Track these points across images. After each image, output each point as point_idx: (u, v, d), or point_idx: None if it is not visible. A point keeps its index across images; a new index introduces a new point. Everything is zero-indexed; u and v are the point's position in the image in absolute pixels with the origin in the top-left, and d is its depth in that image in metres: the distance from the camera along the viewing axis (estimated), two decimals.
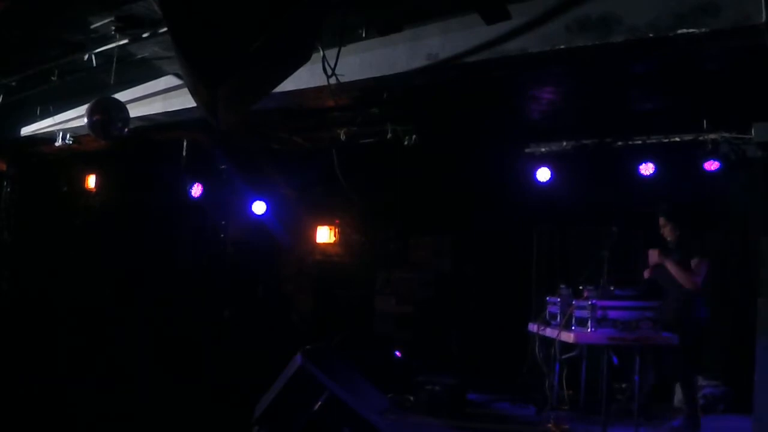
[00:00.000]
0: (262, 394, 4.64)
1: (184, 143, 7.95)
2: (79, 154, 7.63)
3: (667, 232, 6.03)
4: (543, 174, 7.50)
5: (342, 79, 4.12)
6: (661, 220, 6.07)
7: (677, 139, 6.91)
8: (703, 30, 3.66)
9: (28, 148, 7.64)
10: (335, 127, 6.99)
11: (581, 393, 6.31)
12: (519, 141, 7.64)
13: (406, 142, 6.99)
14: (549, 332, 5.69)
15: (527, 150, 7.68)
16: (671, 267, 5.83)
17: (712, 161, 6.72)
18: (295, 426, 4.42)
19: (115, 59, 4.97)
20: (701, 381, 6.66)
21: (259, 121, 6.71)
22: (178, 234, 8.64)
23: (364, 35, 4.45)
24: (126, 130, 5.20)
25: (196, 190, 8.42)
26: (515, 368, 7.35)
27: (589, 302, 5.27)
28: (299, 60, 3.45)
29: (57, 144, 6.98)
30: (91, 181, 8.42)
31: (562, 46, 4.04)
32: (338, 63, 3.88)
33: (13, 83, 5.74)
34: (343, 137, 7.09)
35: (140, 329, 7.58)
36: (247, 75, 3.12)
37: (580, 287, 5.66)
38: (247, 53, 2.93)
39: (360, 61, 4.70)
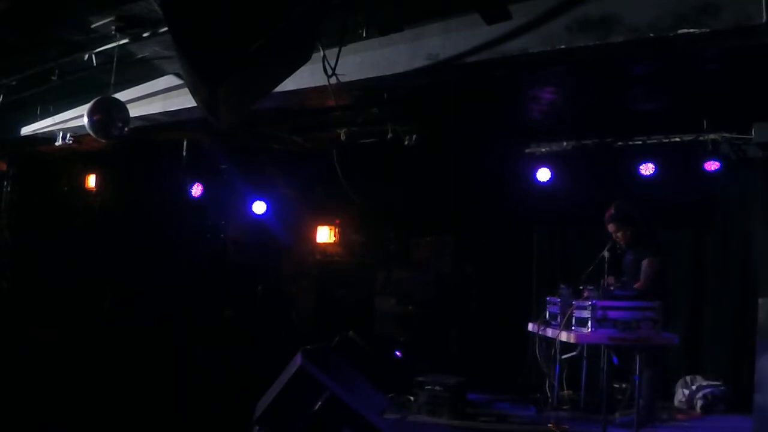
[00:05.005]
0: (262, 394, 4.64)
1: (184, 143, 7.95)
2: (79, 154, 7.63)
3: (620, 236, 6.02)
4: (543, 174, 7.50)
5: (342, 79, 4.12)
6: (612, 226, 6.04)
7: (677, 139, 6.91)
8: (703, 30, 3.66)
9: (28, 148, 7.64)
10: (335, 127, 6.98)
11: (581, 393, 6.33)
12: (519, 141, 7.64)
13: (406, 142, 6.99)
14: (549, 332, 5.69)
15: (527, 150, 7.69)
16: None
17: (712, 161, 6.73)
18: (295, 426, 4.41)
19: (115, 59, 4.97)
20: (701, 381, 6.67)
21: (260, 121, 6.71)
22: (178, 234, 8.63)
23: (364, 35, 4.45)
24: (126, 130, 5.20)
25: (196, 190, 8.42)
26: (515, 368, 7.36)
27: (590, 302, 5.27)
28: (300, 59, 3.45)
29: (57, 144, 6.98)
30: (91, 181, 8.42)
31: (563, 46, 4.04)
32: (339, 63, 3.89)
33: (13, 83, 5.73)
34: (343, 137, 7.09)
35: (140, 329, 7.57)
36: (248, 74, 3.13)
37: (580, 287, 5.66)
38: (247, 53, 2.94)
39: (360, 61, 4.70)
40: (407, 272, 8.81)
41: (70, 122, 6.71)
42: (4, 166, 7.99)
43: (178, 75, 5.61)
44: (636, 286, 5.70)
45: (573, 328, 5.39)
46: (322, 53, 3.90)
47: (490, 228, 8.16)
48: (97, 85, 5.41)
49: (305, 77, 4.48)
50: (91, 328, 7.49)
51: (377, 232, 9.26)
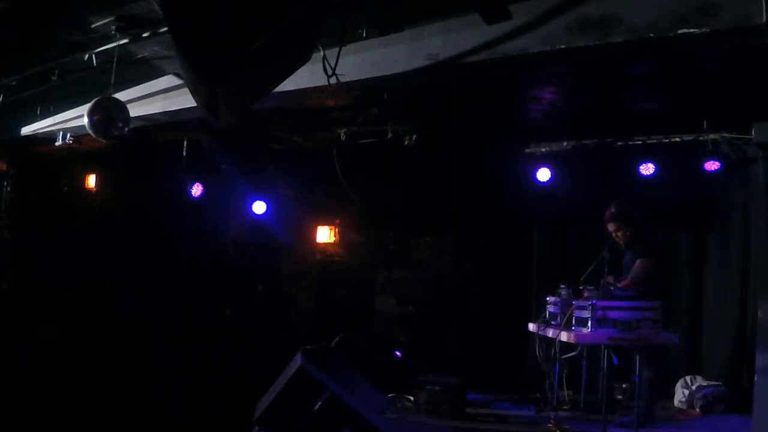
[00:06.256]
0: (262, 394, 4.64)
1: (184, 143, 7.94)
2: (79, 154, 7.62)
3: (620, 236, 6.02)
4: (543, 174, 7.51)
5: (342, 79, 4.11)
6: (612, 226, 6.04)
7: (677, 139, 6.91)
8: (703, 30, 3.65)
9: (28, 148, 7.64)
10: (335, 127, 6.98)
11: (581, 393, 6.33)
12: (519, 141, 7.65)
13: (406, 142, 6.99)
14: (549, 332, 5.69)
15: (527, 150, 7.69)
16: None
17: (712, 161, 6.73)
18: (295, 426, 4.41)
19: (115, 59, 4.97)
20: (701, 381, 6.67)
21: (259, 121, 6.71)
22: (178, 234, 8.63)
23: (364, 35, 4.44)
24: (126, 130, 5.19)
25: (196, 190, 8.42)
26: (515, 368, 7.37)
27: (590, 302, 5.27)
28: (300, 59, 3.45)
29: (57, 144, 6.97)
30: (91, 181, 8.42)
31: (563, 46, 4.04)
32: (339, 63, 3.88)
33: (13, 83, 5.72)
34: (343, 137, 7.09)
35: (140, 329, 7.57)
36: (248, 74, 3.13)
37: (580, 287, 5.65)
38: (247, 53, 2.94)
39: (360, 61, 4.70)
40: (407, 272, 8.81)
41: (70, 122, 6.71)
42: (4, 166, 7.98)
43: (178, 75, 5.61)
44: (621, 285, 5.70)
45: (573, 328, 5.39)
46: (322, 53, 3.90)
47: (490, 228, 8.17)
48: (97, 85, 5.40)
49: (305, 77, 4.47)
50: (91, 328, 7.49)
51: (377, 232, 9.27)
